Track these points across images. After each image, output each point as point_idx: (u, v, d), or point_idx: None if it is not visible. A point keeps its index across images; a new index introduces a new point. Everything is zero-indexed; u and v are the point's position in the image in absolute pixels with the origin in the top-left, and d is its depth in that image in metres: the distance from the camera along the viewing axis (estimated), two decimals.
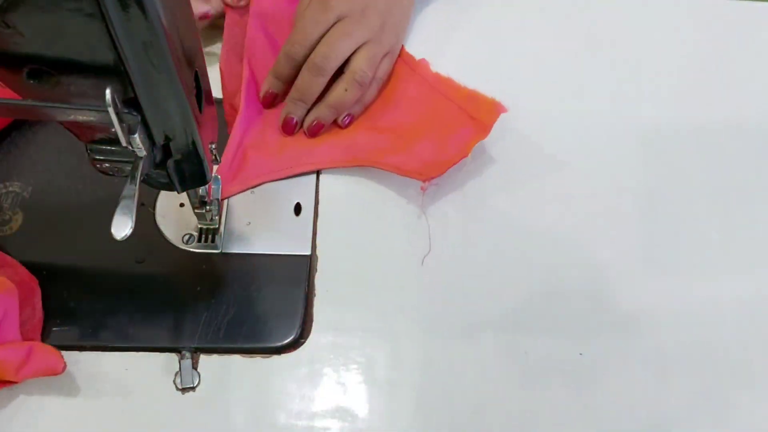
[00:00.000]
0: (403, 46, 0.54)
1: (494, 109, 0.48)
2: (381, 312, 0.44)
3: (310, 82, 0.49)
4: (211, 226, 0.46)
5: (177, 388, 0.42)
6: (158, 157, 0.34)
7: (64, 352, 0.43)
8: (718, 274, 0.46)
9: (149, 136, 0.32)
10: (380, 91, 0.52)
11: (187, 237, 0.46)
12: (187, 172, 0.37)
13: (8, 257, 0.43)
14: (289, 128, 0.50)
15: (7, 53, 0.28)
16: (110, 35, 0.27)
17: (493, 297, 0.45)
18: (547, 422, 0.41)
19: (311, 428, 0.41)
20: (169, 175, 0.36)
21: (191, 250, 0.46)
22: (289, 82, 0.50)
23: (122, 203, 0.33)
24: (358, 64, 0.49)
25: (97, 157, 0.33)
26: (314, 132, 0.50)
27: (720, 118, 0.52)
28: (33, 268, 0.45)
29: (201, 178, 0.38)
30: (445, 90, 0.52)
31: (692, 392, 0.42)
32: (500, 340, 0.43)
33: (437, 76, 0.52)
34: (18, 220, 0.46)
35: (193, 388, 0.42)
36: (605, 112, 0.52)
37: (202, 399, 0.41)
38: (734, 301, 0.45)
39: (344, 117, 0.50)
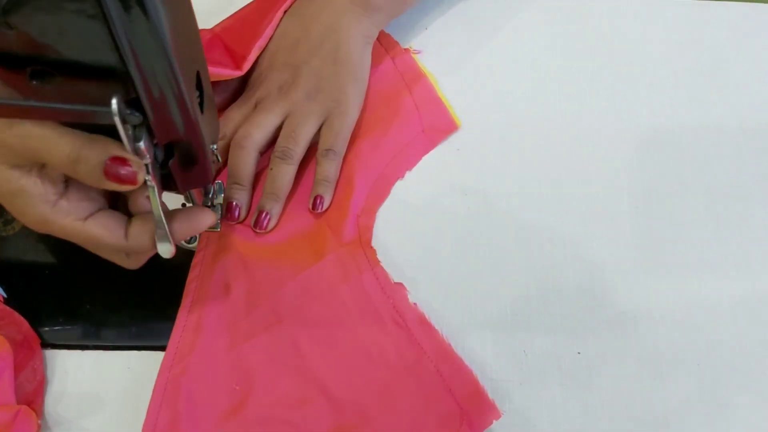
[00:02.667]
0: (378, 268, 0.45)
1: (491, 413, 0.40)
2: None
3: (236, 161, 0.46)
4: (214, 230, 0.46)
5: None
6: (160, 158, 0.35)
7: (66, 352, 0.43)
8: (716, 274, 0.46)
9: (151, 137, 0.33)
10: (342, 326, 0.43)
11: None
12: (189, 172, 0.37)
13: (16, 314, 0.43)
14: (231, 215, 0.46)
15: (9, 54, 0.28)
16: (112, 36, 0.27)
17: (491, 296, 0.45)
18: (546, 421, 0.41)
19: None
20: (171, 176, 0.36)
21: (193, 249, 0.46)
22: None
23: (157, 230, 0.36)
24: (278, 141, 0.47)
25: None
26: (262, 225, 0.45)
27: (717, 118, 0.52)
28: (35, 268, 0.45)
29: (202, 179, 0.38)
30: (434, 355, 0.42)
31: (690, 391, 0.42)
32: (498, 339, 0.43)
33: (414, 311, 0.43)
34: None
35: None
36: (602, 113, 0.52)
37: None
38: (731, 301, 0.45)
39: (314, 200, 0.46)
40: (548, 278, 0.45)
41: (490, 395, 0.42)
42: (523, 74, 0.54)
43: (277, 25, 0.50)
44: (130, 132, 0.31)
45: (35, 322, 0.43)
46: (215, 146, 0.38)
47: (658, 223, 0.48)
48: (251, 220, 0.46)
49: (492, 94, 0.52)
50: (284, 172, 0.46)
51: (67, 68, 0.29)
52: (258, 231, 0.46)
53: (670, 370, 0.43)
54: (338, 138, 0.47)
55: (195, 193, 0.42)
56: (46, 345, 0.43)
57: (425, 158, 0.50)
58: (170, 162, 0.35)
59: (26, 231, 0.46)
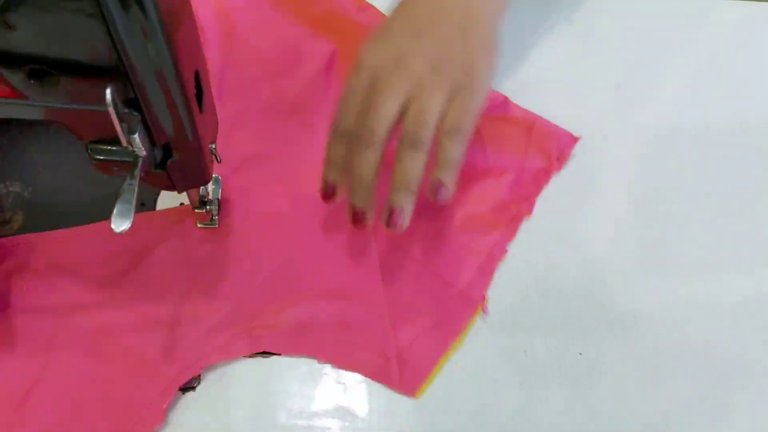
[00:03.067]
0: None
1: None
2: None
3: (360, 161, 0.40)
4: (211, 226, 0.46)
5: (178, 388, 0.42)
6: (158, 157, 0.35)
7: None
8: (717, 274, 0.46)
9: (149, 136, 0.33)
10: None
11: None
12: (187, 171, 0.37)
13: None
14: (358, 224, 0.41)
15: (7, 53, 0.28)
16: (111, 35, 0.27)
17: (492, 296, 0.45)
18: (546, 421, 0.41)
19: (311, 427, 0.41)
20: (169, 175, 0.36)
21: None
22: (345, 164, 0.41)
23: (122, 198, 0.33)
24: (405, 127, 0.40)
25: (98, 157, 0.33)
26: (394, 222, 0.40)
27: (719, 118, 0.52)
28: None
29: (201, 178, 0.38)
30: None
31: (691, 392, 0.42)
32: (499, 340, 0.43)
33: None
34: (18, 220, 0.46)
35: (193, 388, 0.42)
36: (602, 112, 0.52)
37: (203, 398, 0.41)
38: (733, 301, 0.45)
39: (435, 187, 0.40)
40: (549, 278, 0.45)
41: (490, 396, 0.42)
42: (523, 73, 0.54)
43: None
44: (125, 125, 0.31)
45: None
46: (213, 145, 0.38)
47: (658, 224, 0.48)
48: (383, 219, 0.40)
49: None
50: (416, 163, 0.39)
51: (67, 68, 0.29)
52: (391, 229, 0.40)
53: (670, 370, 0.43)
54: (467, 116, 0.40)
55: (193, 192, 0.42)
56: None
57: None
58: (169, 162, 0.35)
59: (25, 231, 0.46)
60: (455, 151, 0.40)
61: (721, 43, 0.55)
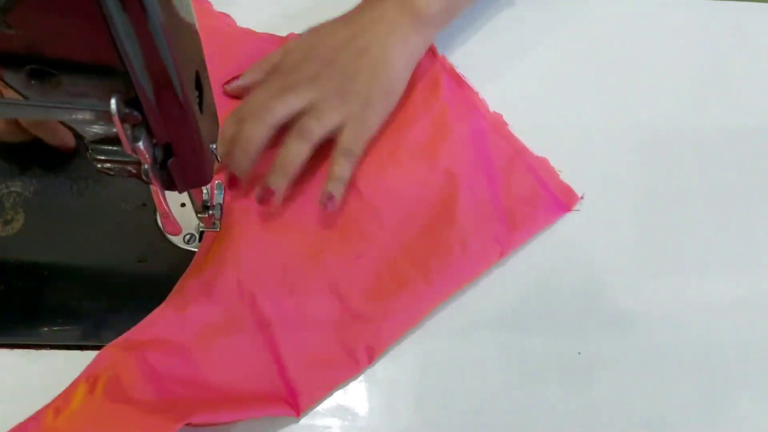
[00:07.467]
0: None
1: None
2: None
3: (249, 130, 0.44)
4: (213, 230, 0.46)
5: None
6: (159, 158, 0.35)
7: (66, 352, 0.43)
8: (715, 274, 0.46)
9: (150, 136, 0.33)
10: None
11: (188, 237, 0.46)
12: (188, 172, 0.37)
13: None
14: (231, 185, 0.47)
15: (8, 53, 0.28)
16: (111, 35, 0.27)
17: (492, 296, 0.45)
18: (546, 421, 0.41)
19: (312, 427, 0.41)
20: (170, 175, 0.36)
21: (192, 249, 0.46)
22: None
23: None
24: (300, 119, 0.45)
25: (99, 157, 0.34)
26: (264, 200, 0.45)
27: (717, 119, 0.52)
28: (35, 268, 0.45)
29: (202, 178, 0.38)
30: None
31: (689, 391, 0.42)
32: (499, 340, 0.43)
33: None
34: (20, 220, 0.46)
35: None
36: (603, 114, 0.52)
37: None
38: (730, 301, 0.45)
39: (324, 198, 0.45)
40: (549, 278, 0.45)
41: (490, 395, 0.42)
42: (524, 75, 0.54)
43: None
44: (129, 132, 0.31)
45: (35, 322, 0.43)
46: (214, 146, 0.38)
47: (658, 224, 0.48)
48: (255, 194, 0.45)
49: (493, 95, 0.52)
50: (300, 150, 0.44)
51: (67, 68, 0.29)
52: (262, 206, 0.45)
53: (670, 370, 0.43)
54: (358, 141, 0.46)
55: (194, 192, 0.42)
56: (46, 345, 0.43)
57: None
58: (169, 162, 0.35)
59: (26, 231, 0.46)
60: (346, 169, 0.45)
61: (720, 43, 0.55)
